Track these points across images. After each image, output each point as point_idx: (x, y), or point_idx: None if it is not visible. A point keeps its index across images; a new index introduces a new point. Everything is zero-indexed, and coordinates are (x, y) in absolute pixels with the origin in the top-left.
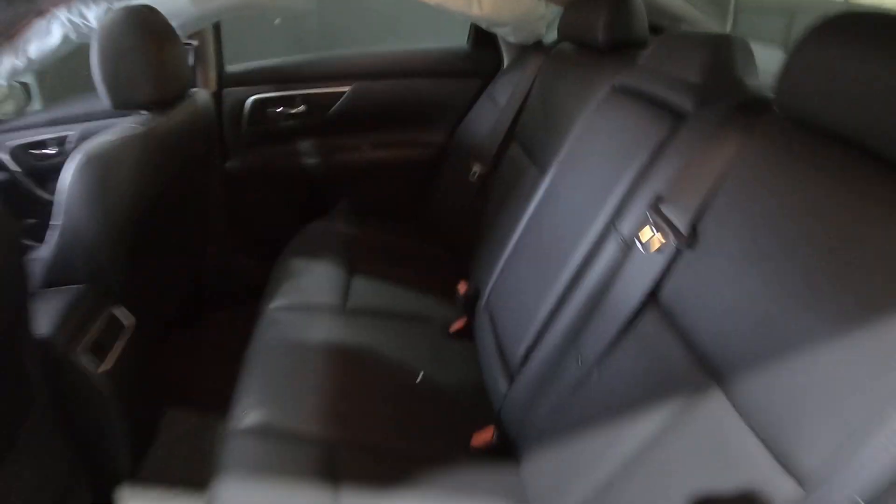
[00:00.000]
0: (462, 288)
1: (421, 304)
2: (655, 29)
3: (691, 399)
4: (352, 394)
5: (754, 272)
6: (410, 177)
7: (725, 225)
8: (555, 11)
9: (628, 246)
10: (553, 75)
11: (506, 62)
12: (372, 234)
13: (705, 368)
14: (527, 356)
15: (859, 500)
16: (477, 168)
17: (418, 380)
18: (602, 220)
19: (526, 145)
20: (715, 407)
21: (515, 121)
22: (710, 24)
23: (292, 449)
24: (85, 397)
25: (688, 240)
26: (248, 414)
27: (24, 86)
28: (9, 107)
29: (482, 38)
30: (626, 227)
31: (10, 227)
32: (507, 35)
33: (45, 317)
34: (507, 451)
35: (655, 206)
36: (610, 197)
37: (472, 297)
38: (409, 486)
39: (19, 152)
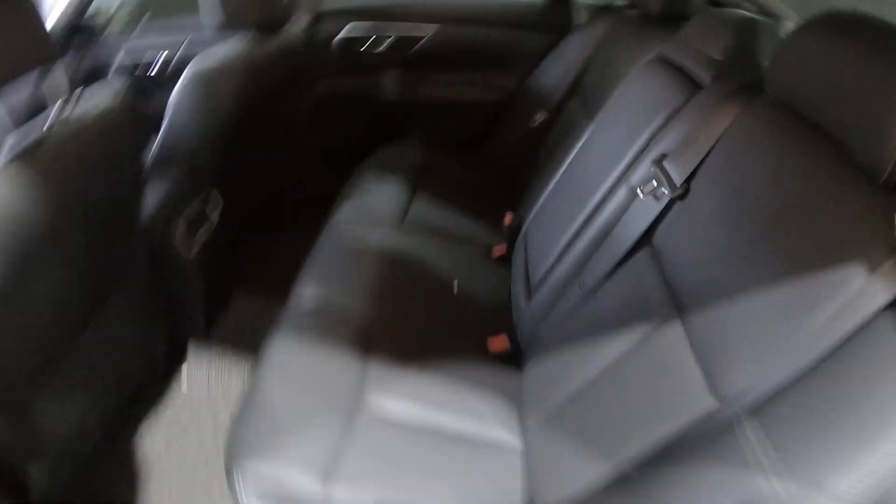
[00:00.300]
0: (508, 218)
1: (471, 227)
2: (718, 3)
3: (657, 326)
4: (394, 290)
5: (726, 224)
6: (479, 116)
7: (711, 183)
8: None
9: (634, 194)
10: (616, 37)
11: (579, 21)
12: (437, 162)
13: (673, 301)
14: (544, 279)
15: (742, 416)
16: (540, 115)
17: (455, 289)
18: (618, 171)
19: (584, 100)
20: (671, 334)
21: (579, 76)
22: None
23: (336, 324)
24: (174, 268)
25: (680, 192)
26: (305, 293)
27: (132, 6)
28: (120, 23)
29: None
30: (635, 177)
31: (140, 122)
32: None
33: (149, 201)
34: (516, 359)
35: (660, 162)
36: (628, 152)
37: (516, 228)
38: (424, 369)
39: (125, 66)
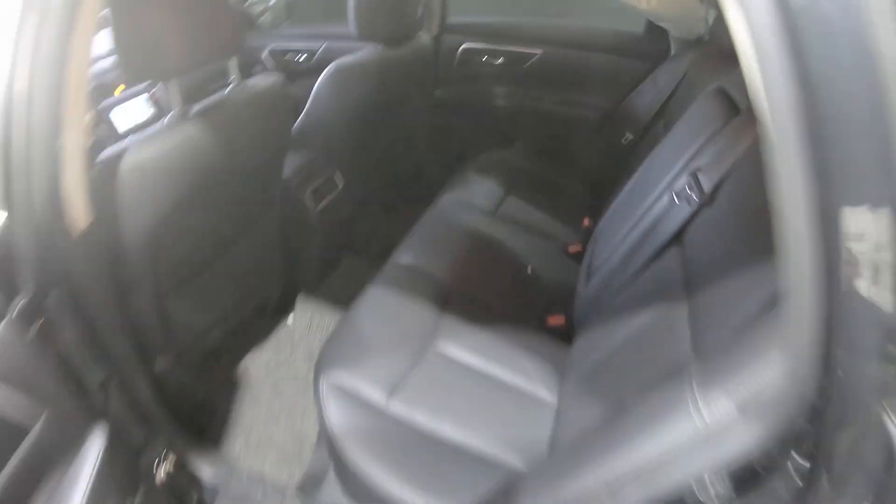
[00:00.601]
0: (586, 222)
1: (553, 226)
2: None
3: (668, 307)
4: (476, 265)
5: (737, 227)
6: (575, 131)
7: (734, 192)
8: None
9: (673, 200)
10: (699, 69)
11: (672, 51)
12: (534, 167)
13: (686, 288)
14: (598, 270)
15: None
16: (629, 135)
17: (528, 271)
18: (666, 182)
19: (666, 123)
20: (677, 315)
21: (666, 103)
22: None
23: (423, 281)
24: (301, 222)
25: (709, 200)
26: (403, 255)
27: (283, 4)
28: (269, 18)
29: (654, 28)
30: (676, 187)
31: (290, 102)
32: (670, 29)
33: (288, 166)
34: (568, 335)
35: (694, 174)
36: (675, 165)
37: (590, 231)
38: (488, 329)
39: (275, 55)
